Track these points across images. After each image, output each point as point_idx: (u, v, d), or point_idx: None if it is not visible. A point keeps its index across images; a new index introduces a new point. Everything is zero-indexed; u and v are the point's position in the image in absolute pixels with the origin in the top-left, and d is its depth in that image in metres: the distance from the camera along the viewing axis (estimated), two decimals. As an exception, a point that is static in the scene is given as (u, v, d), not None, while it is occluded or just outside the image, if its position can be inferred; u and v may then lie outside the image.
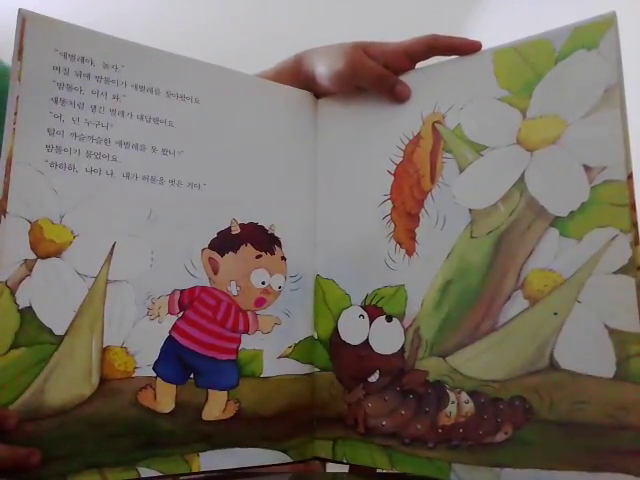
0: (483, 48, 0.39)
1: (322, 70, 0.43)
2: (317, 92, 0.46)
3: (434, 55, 0.41)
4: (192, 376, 0.37)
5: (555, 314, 0.33)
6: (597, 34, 0.33)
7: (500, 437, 0.34)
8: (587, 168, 0.33)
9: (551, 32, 0.36)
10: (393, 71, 0.42)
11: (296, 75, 0.46)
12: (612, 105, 0.32)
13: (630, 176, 0.31)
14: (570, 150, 0.34)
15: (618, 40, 0.33)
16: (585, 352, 0.32)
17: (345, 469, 0.44)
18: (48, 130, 0.34)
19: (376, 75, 0.41)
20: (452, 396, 0.36)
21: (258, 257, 0.41)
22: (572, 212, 0.33)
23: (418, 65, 0.43)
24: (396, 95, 0.41)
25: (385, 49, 0.42)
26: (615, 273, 0.31)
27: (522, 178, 0.35)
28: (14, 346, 0.32)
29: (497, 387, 0.34)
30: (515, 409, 0.33)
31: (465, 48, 0.39)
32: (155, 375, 0.36)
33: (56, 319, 0.33)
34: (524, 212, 0.35)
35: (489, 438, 0.34)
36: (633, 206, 0.31)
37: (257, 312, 0.40)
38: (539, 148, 0.35)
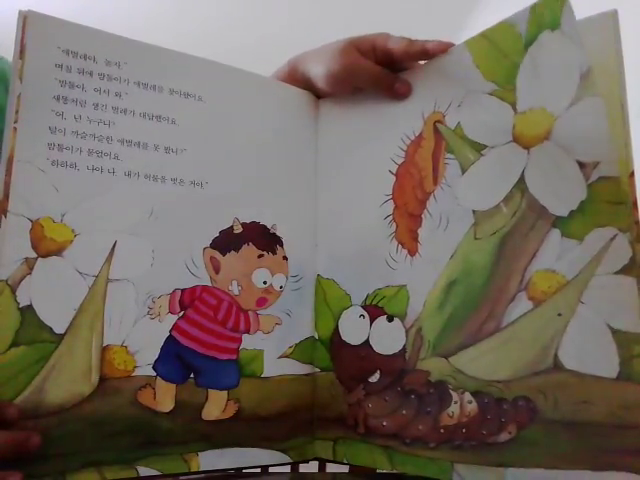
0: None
1: (318, 74, 0.43)
2: (316, 94, 0.46)
3: (410, 61, 0.41)
4: (192, 376, 0.37)
5: (559, 315, 0.32)
6: (555, 11, 0.33)
7: (504, 437, 0.33)
8: (581, 164, 0.32)
9: (514, 15, 0.35)
10: (387, 67, 0.41)
11: (292, 81, 0.45)
12: (592, 93, 0.31)
13: (632, 174, 0.31)
14: (562, 146, 0.33)
15: (616, 18, 0.32)
16: (589, 352, 0.31)
17: (345, 469, 0.44)
18: (50, 128, 0.34)
19: (374, 75, 0.41)
20: (455, 396, 0.36)
21: (260, 257, 0.41)
22: (572, 212, 0.32)
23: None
24: (396, 93, 0.41)
25: (375, 44, 0.41)
26: (617, 273, 0.31)
27: (522, 178, 0.35)
28: (14, 344, 0.32)
29: (501, 387, 0.34)
30: (519, 409, 0.33)
31: (434, 51, 0.39)
32: (155, 374, 0.36)
33: (56, 318, 0.33)
34: (526, 213, 0.34)
35: (492, 438, 0.34)
36: (635, 205, 0.31)
37: (258, 312, 0.40)
38: (534, 145, 0.34)
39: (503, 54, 0.35)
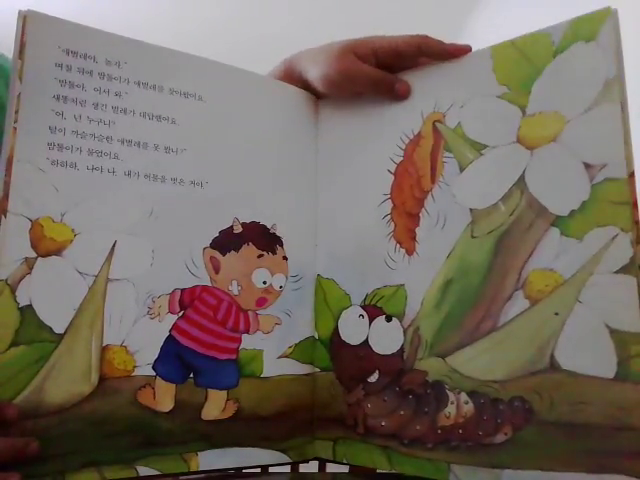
0: (482, 48, 0.39)
1: (315, 77, 0.43)
2: (314, 94, 0.46)
3: (423, 57, 0.41)
4: (192, 375, 0.37)
5: (556, 314, 0.32)
6: (595, 25, 0.33)
7: (500, 438, 0.34)
8: (587, 166, 0.33)
9: (550, 26, 0.35)
10: (387, 69, 0.41)
11: (289, 81, 0.45)
12: (612, 99, 0.32)
13: (632, 174, 0.31)
14: (570, 147, 0.33)
15: (618, 32, 0.32)
16: (586, 352, 0.31)
17: (345, 469, 0.44)
18: (50, 128, 0.34)
19: (373, 79, 0.41)
20: (451, 396, 0.36)
21: (260, 257, 0.41)
22: (573, 211, 0.33)
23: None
24: (396, 94, 0.41)
25: (375, 46, 0.41)
26: (616, 273, 0.31)
27: (523, 177, 0.35)
28: (14, 344, 0.32)
29: (497, 387, 0.34)
30: (515, 410, 0.33)
31: (456, 53, 0.39)
32: (155, 374, 0.36)
33: (56, 317, 0.33)
34: (525, 211, 0.35)
35: (489, 439, 0.34)
36: (635, 205, 0.31)
37: (258, 312, 0.40)
38: (539, 146, 0.35)
39: (528, 61, 0.36)
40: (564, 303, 0.32)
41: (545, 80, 0.35)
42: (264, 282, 0.41)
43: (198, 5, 1.95)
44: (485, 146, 0.37)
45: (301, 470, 0.47)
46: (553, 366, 0.32)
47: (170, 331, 0.37)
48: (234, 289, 0.39)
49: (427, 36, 0.40)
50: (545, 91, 0.35)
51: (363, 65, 0.41)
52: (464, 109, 0.38)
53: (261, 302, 0.40)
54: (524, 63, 0.36)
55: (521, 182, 0.35)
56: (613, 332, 0.31)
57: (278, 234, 0.42)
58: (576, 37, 0.34)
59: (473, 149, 0.37)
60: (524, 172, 0.35)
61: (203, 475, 0.38)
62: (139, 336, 0.36)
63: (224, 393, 0.38)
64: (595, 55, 0.33)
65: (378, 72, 0.41)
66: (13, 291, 0.32)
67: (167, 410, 0.36)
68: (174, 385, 0.37)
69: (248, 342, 0.39)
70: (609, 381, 0.30)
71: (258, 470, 0.41)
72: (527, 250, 0.34)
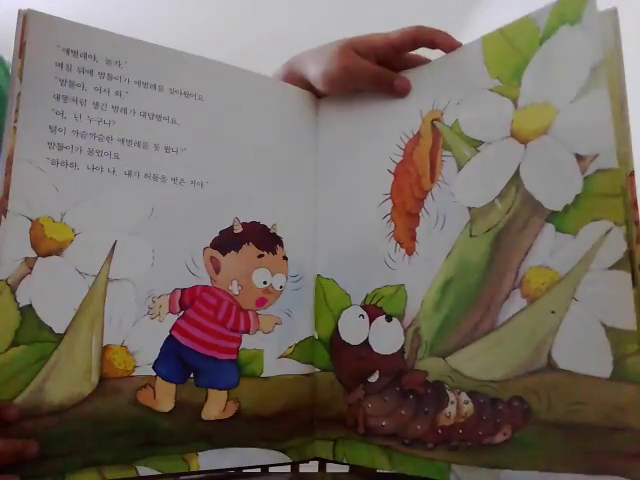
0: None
1: (316, 76, 0.43)
2: (315, 94, 0.46)
3: (419, 47, 0.41)
4: (192, 375, 0.37)
5: (553, 313, 0.32)
6: (578, 6, 0.33)
7: (499, 438, 0.33)
8: (579, 157, 0.32)
9: (535, 11, 0.35)
10: (386, 65, 0.42)
11: (291, 83, 0.45)
12: (599, 86, 0.31)
13: (632, 174, 0.31)
14: (561, 139, 0.33)
15: (616, 16, 0.32)
16: (582, 351, 0.31)
17: (345, 469, 0.44)
18: (50, 127, 0.34)
19: (373, 76, 0.41)
20: (452, 396, 0.36)
21: (260, 256, 0.41)
22: (567, 206, 0.32)
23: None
24: (396, 90, 0.41)
25: (373, 44, 0.42)
26: (610, 269, 0.30)
27: (517, 173, 0.34)
28: (14, 344, 0.32)
29: (496, 387, 0.34)
30: (514, 410, 0.33)
31: (447, 45, 0.39)
32: (155, 374, 0.36)
33: (56, 317, 0.33)
34: (521, 208, 0.34)
35: (488, 439, 0.34)
36: (635, 204, 0.30)
37: (258, 312, 0.40)
38: (532, 140, 0.34)
39: (516, 50, 0.35)
40: (560, 301, 0.32)
41: (533, 69, 0.34)
42: (264, 282, 0.41)
43: (198, 5, 1.95)
44: (481, 142, 0.37)
45: (301, 470, 0.47)
46: (550, 365, 0.32)
47: (170, 331, 0.37)
48: (234, 289, 0.39)
49: (420, 26, 0.41)
50: (534, 81, 0.34)
51: (363, 61, 0.41)
52: (460, 106, 0.38)
53: (261, 302, 0.40)
54: (512, 53, 0.35)
55: (516, 178, 0.35)
56: (609, 330, 0.30)
57: (278, 234, 0.42)
58: (561, 20, 0.33)
59: (470, 146, 0.37)
60: (519, 167, 0.34)
61: (203, 475, 0.38)
62: (139, 336, 0.36)
63: (224, 393, 0.38)
64: (580, 39, 0.32)
65: (378, 68, 0.41)
66: (13, 291, 0.32)
67: (167, 410, 0.36)
68: (174, 385, 0.36)
69: (248, 342, 0.39)
70: (605, 381, 0.30)
71: (258, 470, 0.41)
72: (523, 248, 0.34)
